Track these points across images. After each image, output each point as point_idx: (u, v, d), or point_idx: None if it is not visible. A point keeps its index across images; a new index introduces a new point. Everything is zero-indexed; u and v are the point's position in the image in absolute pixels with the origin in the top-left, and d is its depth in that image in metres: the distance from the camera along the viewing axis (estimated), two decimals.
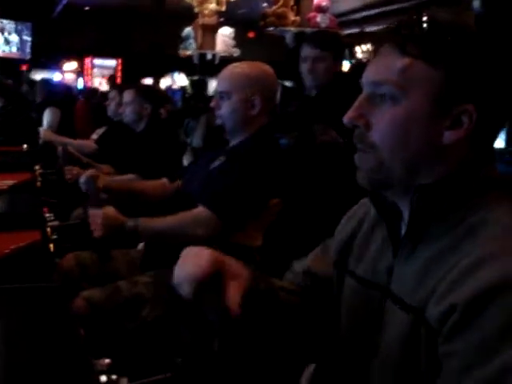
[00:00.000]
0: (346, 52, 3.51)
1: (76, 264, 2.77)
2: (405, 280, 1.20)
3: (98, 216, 2.50)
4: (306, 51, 3.40)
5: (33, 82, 8.52)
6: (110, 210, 2.53)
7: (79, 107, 8.46)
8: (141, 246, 2.96)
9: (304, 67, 3.40)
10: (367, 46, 13.76)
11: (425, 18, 1.18)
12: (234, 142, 2.74)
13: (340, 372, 1.38)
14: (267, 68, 2.76)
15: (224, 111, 2.66)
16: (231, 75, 2.69)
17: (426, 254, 1.17)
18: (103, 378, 1.26)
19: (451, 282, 1.07)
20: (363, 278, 1.33)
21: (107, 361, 1.33)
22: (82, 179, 3.07)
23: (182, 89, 14.14)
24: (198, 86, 9.02)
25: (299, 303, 1.47)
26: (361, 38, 14.36)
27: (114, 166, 4.48)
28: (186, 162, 4.30)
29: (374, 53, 1.23)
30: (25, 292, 1.78)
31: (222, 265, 1.29)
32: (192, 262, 1.28)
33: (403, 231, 1.25)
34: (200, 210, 2.50)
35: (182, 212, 2.55)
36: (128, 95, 4.41)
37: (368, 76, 1.23)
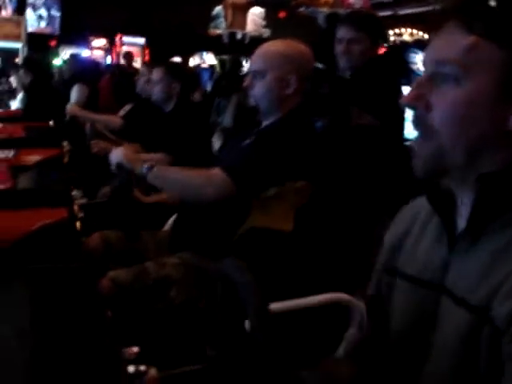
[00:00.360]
0: (383, 34, 3.39)
1: (102, 243, 2.72)
2: (464, 276, 1.12)
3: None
4: (342, 32, 3.30)
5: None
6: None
7: (104, 84, 8.42)
8: (168, 226, 2.90)
9: (339, 48, 3.30)
10: (400, 30, 13.56)
11: None
12: (266, 123, 2.66)
13: (390, 377, 1.30)
14: (303, 47, 2.69)
15: (258, 90, 2.59)
16: (266, 53, 2.61)
17: (489, 248, 1.10)
18: (131, 369, 1.20)
19: None
20: (415, 277, 1.26)
21: (135, 349, 1.27)
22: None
23: (211, 68, 14.07)
24: (233, 64, 8.93)
25: None
26: (393, 21, 14.17)
27: (141, 144, 4.42)
28: (216, 141, 4.22)
29: (437, 29, 1.15)
30: (51, 272, 1.73)
31: None
32: None
33: (459, 224, 1.17)
34: (215, 171, 2.44)
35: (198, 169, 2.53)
36: (157, 73, 4.34)
37: (430, 54, 1.15)
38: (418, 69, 6.87)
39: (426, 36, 15.80)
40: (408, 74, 6.54)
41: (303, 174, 2.50)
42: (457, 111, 1.09)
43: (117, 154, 2.56)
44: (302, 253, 2.48)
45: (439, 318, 1.17)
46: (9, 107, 8.80)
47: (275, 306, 1.85)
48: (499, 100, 1.08)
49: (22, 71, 7.65)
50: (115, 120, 5.32)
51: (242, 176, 2.41)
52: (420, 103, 1.12)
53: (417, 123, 1.15)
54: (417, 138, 1.16)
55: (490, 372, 1.04)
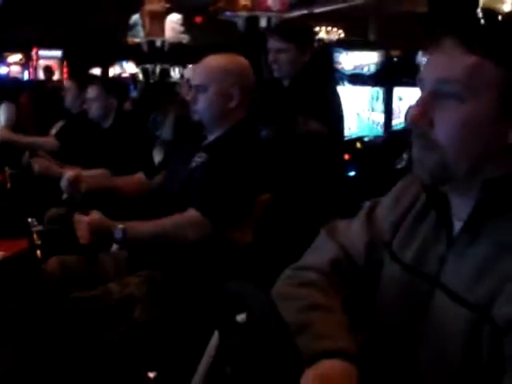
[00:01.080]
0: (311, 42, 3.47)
1: (60, 268, 2.70)
2: (461, 273, 1.19)
3: (85, 223, 2.41)
4: (270, 43, 3.43)
5: None
6: (97, 216, 2.44)
7: (23, 101, 8.17)
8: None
9: (269, 57, 3.42)
10: (318, 28, 13.78)
11: (493, 16, 1.18)
12: (212, 137, 2.69)
13: (384, 350, 1.36)
14: (242, 59, 2.73)
15: (201, 105, 2.61)
16: (207, 68, 2.64)
17: (488, 249, 1.16)
18: None
19: None
20: (410, 266, 1.32)
21: None
22: (64, 183, 3.00)
23: (133, 76, 13.96)
24: (160, 74, 8.88)
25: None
26: (310, 20, 14.38)
27: (80, 164, 4.38)
28: (156, 155, 4.23)
29: (433, 45, 1.20)
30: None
31: None
32: None
33: (455, 222, 1.24)
34: (192, 214, 2.45)
35: (170, 215, 2.49)
36: (92, 91, 4.28)
37: (431, 72, 1.20)
38: (342, 68, 6.98)
39: (343, 34, 16.09)
40: (334, 75, 6.66)
41: (265, 186, 2.57)
42: (461, 129, 1.15)
43: (84, 233, 2.42)
44: (261, 263, 2.54)
45: (430, 309, 1.23)
46: None
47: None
48: (500, 116, 1.14)
49: None
50: (51, 141, 5.20)
51: (217, 213, 2.44)
52: (423, 121, 1.18)
53: (420, 138, 1.20)
54: (419, 150, 1.21)
55: (492, 367, 1.09)
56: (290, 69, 3.33)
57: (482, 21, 1.18)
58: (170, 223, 2.48)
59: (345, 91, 6.19)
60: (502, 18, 1.18)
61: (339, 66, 6.83)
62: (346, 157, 4.80)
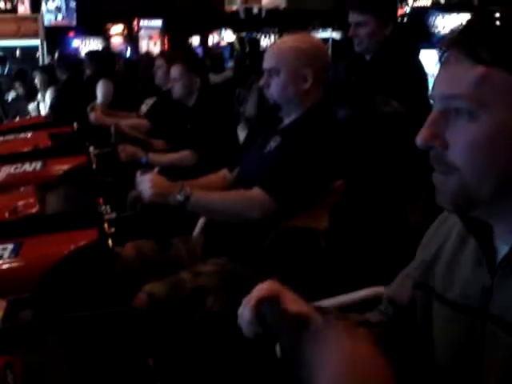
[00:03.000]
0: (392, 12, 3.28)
1: (136, 254, 2.71)
2: (509, 301, 1.08)
3: (147, 180, 2.46)
4: (349, 16, 3.27)
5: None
6: (159, 176, 2.49)
7: (118, 77, 8.21)
8: (198, 229, 2.87)
9: (349, 32, 3.27)
10: None
11: (496, 16, 1.04)
12: (288, 120, 2.63)
13: None
14: (315, 39, 2.69)
15: (274, 89, 2.56)
16: (277, 51, 2.60)
17: None
18: None
19: None
20: (456, 303, 1.21)
21: None
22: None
23: (230, 45, 13.99)
24: (251, 45, 8.81)
25: (381, 335, 1.35)
26: None
27: (167, 141, 4.40)
28: (240, 132, 4.17)
29: (440, 60, 1.09)
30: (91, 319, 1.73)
31: (281, 291, 1.25)
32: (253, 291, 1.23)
33: (498, 247, 1.13)
34: (258, 192, 2.41)
35: (237, 191, 2.50)
36: (175, 71, 4.26)
37: (438, 89, 1.09)
38: (438, 32, 6.74)
39: None
40: (429, 38, 6.43)
41: (339, 173, 2.48)
42: (476, 148, 1.04)
43: (145, 189, 2.47)
44: (337, 249, 2.46)
45: (486, 346, 1.13)
46: (28, 112, 8.75)
47: (321, 303, 1.83)
48: None
49: (58, 69, 7.55)
50: (143, 123, 5.25)
51: (284, 194, 2.39)
52: (436, 142, 1.07)
53: (435, 161, 1.10)
54: (438, 175, 1.11)
55: None
56: (370, 43, 3.18)
57: (488, 27, 1.04)
58: (233, 198, 2.49)
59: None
60: (503, 17, 1.04)
61: (435, 30, 6.56)
62: None
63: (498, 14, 1.05)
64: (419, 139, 1.09)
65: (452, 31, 1.10)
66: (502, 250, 1.12)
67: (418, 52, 3.96)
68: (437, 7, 6.93)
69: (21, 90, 9.40)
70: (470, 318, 1.16)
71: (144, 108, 5.75)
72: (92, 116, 5.47)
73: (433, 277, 1.29)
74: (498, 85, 1.01)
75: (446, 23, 6.63)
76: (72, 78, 7.20)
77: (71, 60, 8.11)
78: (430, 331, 1.29)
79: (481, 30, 1.04)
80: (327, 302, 2.08)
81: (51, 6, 16.05)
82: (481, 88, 1.02)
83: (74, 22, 17.01)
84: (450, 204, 1.11)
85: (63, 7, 17.08)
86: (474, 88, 1.02)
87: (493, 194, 1.06)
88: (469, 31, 1.06)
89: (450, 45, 1.08)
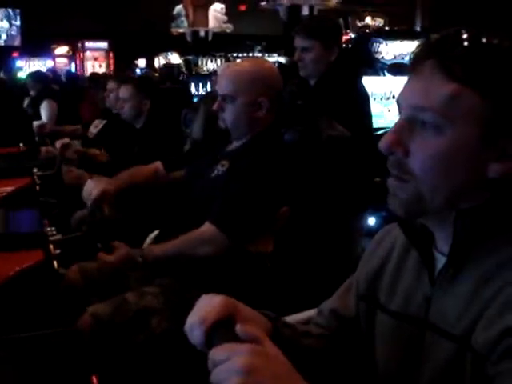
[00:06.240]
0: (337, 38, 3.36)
1: (81, 275, 2.70)
2: (447, 309, 1.12)
3: (110, 264, 2.50)
4: (295, 41, 3.34)
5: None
6: (121, 251, 2.47)
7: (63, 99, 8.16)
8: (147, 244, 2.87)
9: (295, 56, 3.35)
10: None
11: (467, 37, 1.08)
12: (237, 144, 2.64)
13: None
14: (270, 64, 2.68)
15: (228, 115, 2.55)
16: (234, 77, 2.56)
17: (470, 281, 1.10)
18: None
19: (502, 305, 1.02)
20: (398, 313, 1.25)
21: None
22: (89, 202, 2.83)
23: (177, 68, 13.98)
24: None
25: (326, 347, 1.38)
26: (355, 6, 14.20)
27: (115, 162, 4.38)
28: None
29: (412, 67, 1.12)
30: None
31: (235, 309, 1.17)
32: (204, 307, 1.16)
33: (437, 257, 1.17)
34: (209, 229, 2.42)
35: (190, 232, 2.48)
36: (125, 91, 4.24)
37: (407, 98, 1.11)
38: (382, 58, 6.86)
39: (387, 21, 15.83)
40: (373, 64, 6.57)
41: (286, 199, 2.50)
42: (437, 161, 1.07)
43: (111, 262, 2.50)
44: (283, 271, 2.49)
45: (425, 352, 1.16)
46: None
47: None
48: (480, 148, 1.06)
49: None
50: (77, 128, 5.25)
51: (234, 229, 2.40)
52: (399, 149, 1.10)
53: (394, 167, 1.12)
54: (393, 181, 1.14)
55: None
56: (315, 68, 3.25)
57: (466, 43, 1.08)
58: (187, 238, 2.45)
59: (385, 82, 6.10)
60: (489, 40, 1.08)
61: (379, 56, 6.70)
62: None
63: (482, 37, 1.08)
64: (383, 143, 1.11)
65: (429, 41, 1.13)
66: (441, 261, 1.16)
67: (361, 77, 4.05)
68: (380, 34, 7.06)
69: None
70: (412, 327, 1.20)
71: (93, 129, 5.71)
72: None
73: (378, 288, 1.32)
74: (467, 105, 1.04)
75: (390, 50, 6.78)
76: (16, 98, 7.15)
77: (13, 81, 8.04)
78: (373, 342, 1.32)
79: (457, 48, 1.07)
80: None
81: None
82: (451, 105, 1.04)
83: (19, 43, 16.86)
84: (400, 209, 1.14)
85: (7, 27, 16.90)
86: (445, 104, 1.05)
87: (442, 203, 1.10)
88: (444, 46, 1.08)
89: (427, 55, 1.10)
